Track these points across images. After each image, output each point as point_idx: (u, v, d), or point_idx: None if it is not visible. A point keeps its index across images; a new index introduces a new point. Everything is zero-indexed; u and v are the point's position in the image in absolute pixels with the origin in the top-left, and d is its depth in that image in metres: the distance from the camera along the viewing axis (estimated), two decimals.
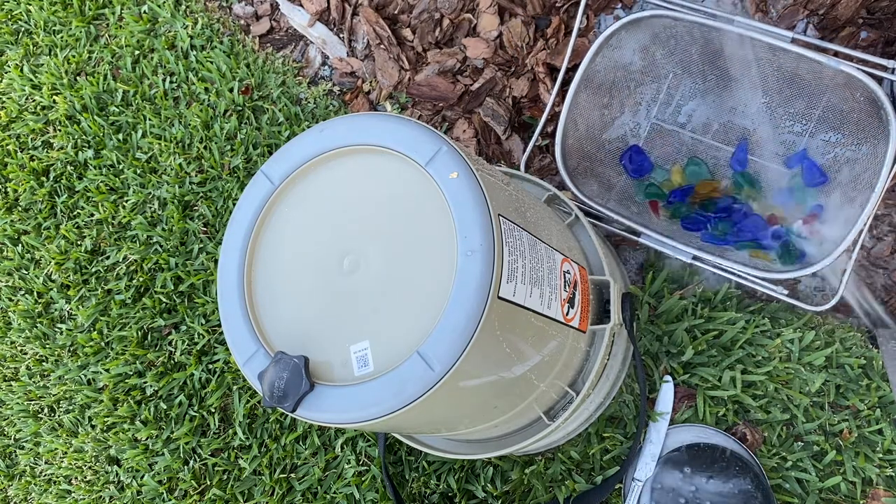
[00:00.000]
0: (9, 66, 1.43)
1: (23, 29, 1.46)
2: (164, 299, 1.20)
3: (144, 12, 1.35)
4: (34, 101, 1.39)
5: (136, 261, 1.24)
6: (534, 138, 1.02)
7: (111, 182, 1.29)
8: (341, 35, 1.25)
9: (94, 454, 1.20)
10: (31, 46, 1.43)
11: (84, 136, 1.33)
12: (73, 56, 1.38)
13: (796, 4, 1.00)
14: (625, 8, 1.10)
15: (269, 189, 0.68)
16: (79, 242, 1.29)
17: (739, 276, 0.90)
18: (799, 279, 1.00)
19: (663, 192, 1.03)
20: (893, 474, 0.89)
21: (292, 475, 1.08)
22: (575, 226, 0.91)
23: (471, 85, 1.15)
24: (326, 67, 1.27)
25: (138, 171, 1.27)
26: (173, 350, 1.18)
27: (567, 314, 0.73)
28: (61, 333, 1.26)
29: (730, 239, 0.97)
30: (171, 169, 1.25)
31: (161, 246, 1.23)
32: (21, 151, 1.38)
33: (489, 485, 1.00)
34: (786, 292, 0.89)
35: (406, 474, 1.03)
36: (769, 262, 0.96)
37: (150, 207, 1.26)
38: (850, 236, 0.83)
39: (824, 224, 0.94)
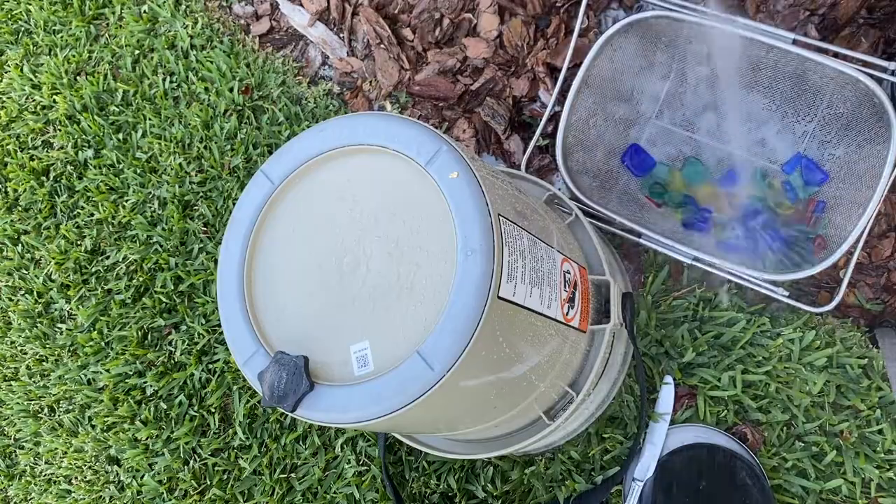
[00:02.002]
0: (9, 66, 1.43)
1: (23, 29, 1.46)
2: (164, 299, 1.20)
3: (144, 12, 1.35)
4: (34, 100, 1.39)
5: (136, 261, 1.24)
6: (534, 138, 1.02)
7: (111, 182, 1.29)
8: (341, 35, 1.25)
9: (94, 454, 1.20)
10: (31, 46, 1.43)
11: (84, 136, 1.33)
12: (73, 56, 1.38)
13: (797, 5, 1.00)
14: (624, 8, 1.10)
15: (269, 189, 0.68)
16: (79, 242, 1.29)
17: (740, 278, 0.90)
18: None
19: (667, 191, 1.03)
20: (894, 476, 0.89)
21: (292, 475, 1.08)
22: (575, 226, 0.91)
23: (471, 85, 1.15)
24: (326, 67, 1.27)
25: (138, 171, 1.27)
26: (173, 350, 1.18)
27: (567, 314, 0.73)
28: (61, 333, 1.26)
29: (741, 244, 0.98)
30: (171, 169, 1.25)
31: (161, 246, 1.23)
32: (21, 151, 1.38)
33: (489, 485, 0.99)
34: (786, 293, 0.89)
35: (406, 474, 1.03)
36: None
37: (150, 207, 1.26)
38: (852, 237, 0.83)
39: (826, 223, 0.94)
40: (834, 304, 0.87)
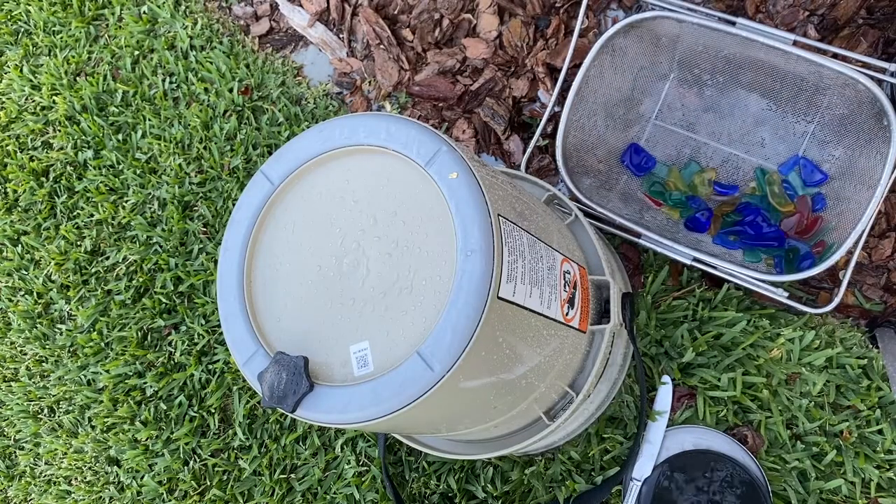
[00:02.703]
0: (8, 67, 1.43)
1: (22, 29, 1.46)
2: (163, 300, 1.20)
3: (144, 13, 1.35)
4: (34, 101, 1.39)
5: (135, 261, 1.24)
6: (534, 139, 1.02)
7: (111, 182, 1.29)
8: (341, 35, 1.25)
9: (94, 455, 1.20)
10: (31, 47, 1.43)
11: (84, 137, 1.33)
12: (73, 56, 1.38)
13: (796, 5, 1.00)
14: (624, 9, 1.10)
15: (268, 189, 0.68)
16: (78, 243, 1.29)
17: (739, 278, 0.90)
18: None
19: (667, 190, 1.03)
20: (894, 476, 0.89)
21: (292, 476, 1.08)
22: (575, 226, 0.91)
23: (471, 85, 1.15)
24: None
25: (138, 172, 1.27)
26: (173, 350, 1.18)
27: (567, 314, 0.72)
28: (61, 334, 1.26)
29: (740, 243, 0.98)
30: (171, 169, 1.25)
31: (161, 246, 1.23)
32: (21, 152, 1.38)
33: (489, 485, 0.99)
34: (786, 294, 0.89)
35: (406, 474, 1.03)
36: (771, 265, 0.96)
37: (150, 208, 1.26)
38: (852, 238, 0.83)
39: (827, 228, 0.94)
40: (834, 304, 0.87)
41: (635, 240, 0.95)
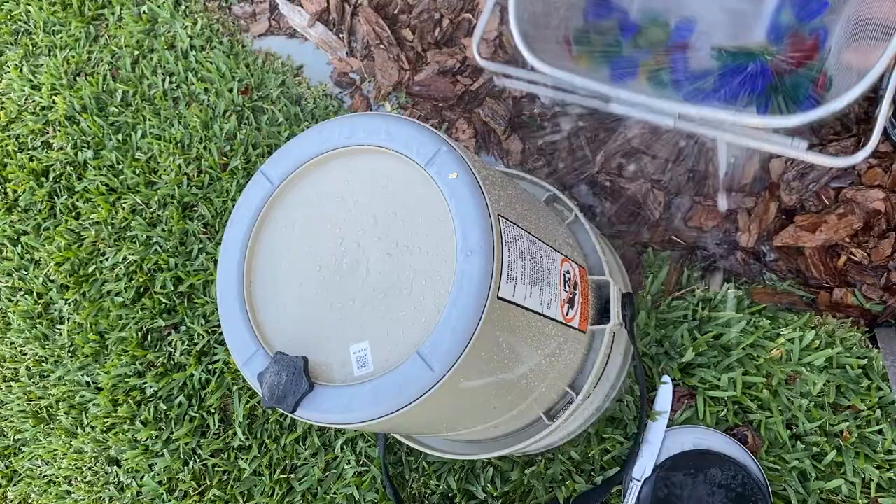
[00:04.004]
0: (8, 67, 1.43)
1: (22, 29, 1.46)
2: (163, 300, 1.19)
3: (144, 13, 1.35)
4: (34, 101, 1.39)
5: (135, 261, 1.23)
6: (481, 24, 0.84)
7: (111, 182, 1.29)
8: (341, 35, 1.25)
9: (94, 455, 1.20)
10: (31, 47, 1.43)
11: (84, 137, 1.33)
12: (73, 56, 1.38)
13: None
14: None
15: (268, 189, 0.68)
16: (78, 243, 1.29)
17: (741, 134, 0.72)
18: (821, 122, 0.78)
19: (591, 41, 0.84)
20: (894, 476, 0.89)
21: (292, 476, 1.08)
22: (575, 226, 0.91)
23: (470, 85, 1.15)
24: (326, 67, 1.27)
25: (138, 172, 1.27)
26: (173, 350, 1.18)
27: (567, 314, 0.72)
28: (61, 334, 1.26)
29: (717, 92, 0.79)
30: (171, 169, 1.25)
31: (161, 246, 1.23)
32: (21, 152, 1.38)
33: (489, 485, 0.99)
34: (805, 145, 0.71)
35: (406, 475, 1.03)
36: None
37: (150, 208, 1.26)
38: (883, 61, 0.60)
39: (827, 56, 0.73)
40: (868, 151, 0.64)
41: (609, 109, 0.77)
